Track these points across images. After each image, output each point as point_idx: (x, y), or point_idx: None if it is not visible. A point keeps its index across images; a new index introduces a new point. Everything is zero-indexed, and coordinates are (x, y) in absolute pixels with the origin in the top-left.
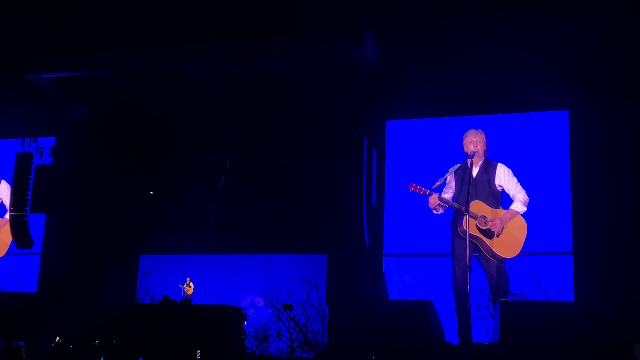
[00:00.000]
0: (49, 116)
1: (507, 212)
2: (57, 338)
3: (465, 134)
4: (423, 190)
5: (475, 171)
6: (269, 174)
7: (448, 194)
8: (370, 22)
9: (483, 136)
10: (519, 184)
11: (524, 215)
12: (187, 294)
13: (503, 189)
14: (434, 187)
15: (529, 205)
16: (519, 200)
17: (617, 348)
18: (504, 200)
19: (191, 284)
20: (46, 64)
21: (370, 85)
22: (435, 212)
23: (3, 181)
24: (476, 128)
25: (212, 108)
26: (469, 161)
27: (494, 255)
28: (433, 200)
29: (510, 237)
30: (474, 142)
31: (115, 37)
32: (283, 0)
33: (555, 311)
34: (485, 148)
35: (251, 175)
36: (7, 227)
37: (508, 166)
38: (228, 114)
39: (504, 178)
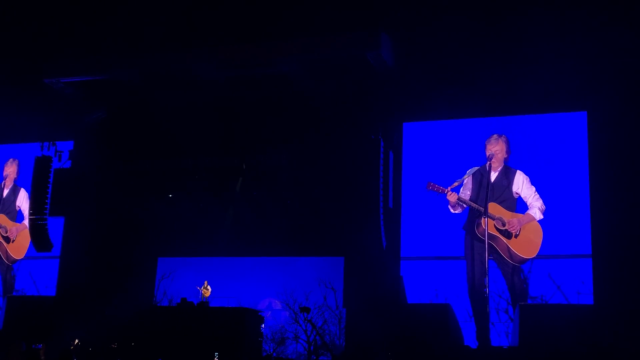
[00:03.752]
0: (68, 120)
1: (525, 215)
2: (76, 340)
3: (487, 139)
4: (441, 189)
5: (493, 176)
6: (286, 177)
7: (465, 195)
8: (386, 25)
9: (504, 142)
10: (536, 192)
11: (540, 221)
12: (205, 297)
13: (520, 197)
14: (451, 187)
15: (548, 208)
16: (536, 208)
17: (637, 351)
18: (519, 207)
19: (209, 286)
20: (64, 68)
21: (387, 87)
22: (452, 211)
23: (22, 189)
24: (494, 130)
25: (229, 111)
26: (487, 165)
27: (511, 255)
28: (452, 197)
29: (527, 239)
30: (492, 148)
31: (131, 41)
32: (300, 3)
33: (575, 314)
34: (507, 155)
35: (268, 178)
36: (25, 232)
37: (526, 168)
38: (245, 116)
39: (522, 186)
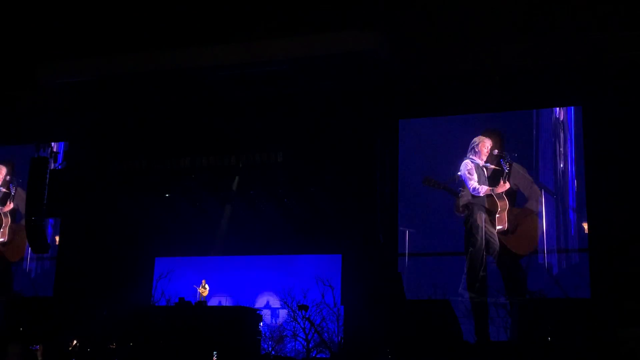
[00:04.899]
0: (63, 121)
1: (522, 209)
2: (75, 341)
3: (480, 135)
4: (437, 185)
5: (490, 170)
6: (283, 175)
7: (464, 192)
8: (382, 22)
9: (497, 137)
10: (534, 183)
11: (538, 216)
12: (203, 296)
13: (518, 188)
14: (447, 183)
15: (545, 203)
16: (534, 199)
17: (634, 344)
18: (518, 200)
19: (206, 285)
20: (60, 69)
21: (383, 84)
22: (458, 214)
23: (18, 188)
24: (490, 126)
25: (225, 110)
26: (484, 161)
27: (508, 252)
28: (462, 201)
29: (524, 235)
30: (485, 144)
31: (126, 41)
32: (297, 1)
33: (573, 308)
34: (501, 149)
35: (265, 177)
36: (22, 234)
37: (522, 163)
38: (241, 115)
39: (519, 177)
